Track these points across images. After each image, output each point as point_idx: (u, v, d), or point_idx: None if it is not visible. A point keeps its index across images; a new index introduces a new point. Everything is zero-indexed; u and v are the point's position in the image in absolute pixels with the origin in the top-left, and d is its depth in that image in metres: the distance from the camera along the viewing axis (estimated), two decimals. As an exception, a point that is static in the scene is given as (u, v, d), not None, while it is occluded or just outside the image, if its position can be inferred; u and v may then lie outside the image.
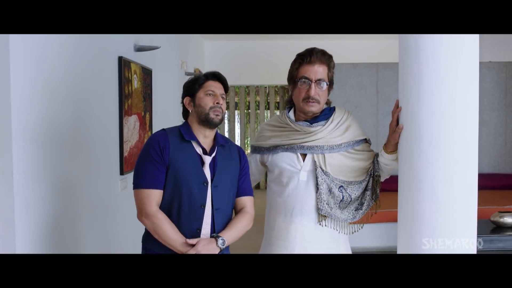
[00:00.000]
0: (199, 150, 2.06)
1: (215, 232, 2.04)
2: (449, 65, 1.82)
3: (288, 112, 2.31)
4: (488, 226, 3.99)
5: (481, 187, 6.29)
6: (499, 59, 6.19)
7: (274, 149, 2.27)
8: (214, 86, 2.08)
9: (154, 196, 1.99)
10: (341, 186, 2.22)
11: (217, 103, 2.05)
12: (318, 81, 2.17)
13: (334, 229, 2.23)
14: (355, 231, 2.35)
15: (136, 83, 3.55)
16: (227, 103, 9.43)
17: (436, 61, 1.83)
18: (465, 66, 1.84)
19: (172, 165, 2.00)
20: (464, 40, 1.82)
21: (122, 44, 3.34)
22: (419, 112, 1.88)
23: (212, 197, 2.04)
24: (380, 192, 5.40)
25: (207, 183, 2.03)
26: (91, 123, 2.78)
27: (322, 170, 2.19)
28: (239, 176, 2.16)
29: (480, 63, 6.12)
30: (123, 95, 3.25)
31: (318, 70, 2.17)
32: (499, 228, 3.94)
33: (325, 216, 2.19)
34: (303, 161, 2.22)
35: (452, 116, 1.82)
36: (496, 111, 5.94)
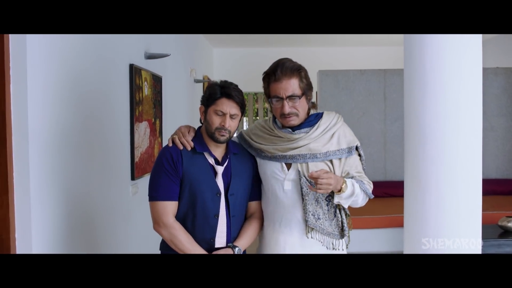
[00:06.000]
0: (211, 161, 2.10)
1: (230, 239, 2.11)
2: (453, 68, 1.87)
3: (275, 118, 2.22)
4: (495, 231, 4.02)
5: (489, 192, 6.29)
6: (507, 64, 6.21)
7: (260, 153, 2.20)
8: (226, 105, 2.03)
9: (170, 207, 2.05)
10: (330, 195, 2.13)
11: (223, 125, 2.03)
12: (290, 97, 2.07)
13: (318, 241, 2.13)
14: (336, 249, 2.15)
15: (146, 90, 3.62)
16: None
17: (440, 64, 1.87)
18: (469, 68, 1.88)
19: (186, 177, 2.04)
20: (468, 43, 1.86)
21: (133, 51, 3.41)
22: (424, 115, 1.92)
23: (229, 206, 2.09)
24: (389, 197, 5.45)
25: (220, 194, 2.08)
26: (103, 128, 2.84)
27: (307, 180, 2.09)
28: (252, 181, 2.21)
29: (488, 69, 6.14)
30: (134, 102, 3.31)
31: (286, 87, 2.06)
32: (507, 232, 3.97)
33: (312, 227, 2.11)
34: (288, 169, 2.14)
35: (456, 118, 1.86)
36: (503, 117, 5.96)
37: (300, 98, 2.08)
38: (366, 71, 5.97)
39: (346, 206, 2.15)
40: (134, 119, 3.31)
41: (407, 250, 2.07)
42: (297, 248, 2.14)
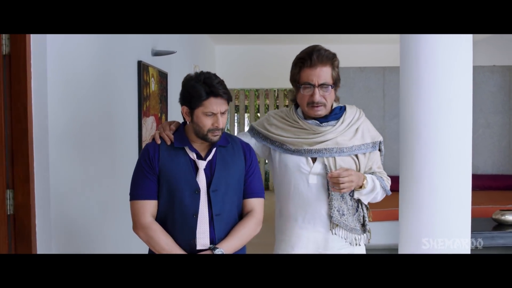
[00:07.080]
0: (192, 156, 1.93)
1: (215, 240, 1.91)
2: (445, 67, 1.98)
3: (296, 109, 2.13)
4: (490, 224, 4.14)
5: (485, 187, 6.37)
6: (503, 63, 6.31)
7: (281, 146, 2.10)
8: (216, 105, 1.85)
9: (148, 207, 1.91)
10: (352, 190, 2.05)
11: (216, 125, 1.87)
12: (322, 85, 1.99)
13: (342, 237, 2.07)
14: (358, 244, 2.12)
15: (153, 86, 3.74)
16: (237, 106, 9.63)
17: (434, 63, 1.98)
18: (460, 66, 1.99)
19: (163, 174, 1.91)
20: (459, 42, 1.97)
21: (141, 49, 3.53)
22: (418, 112, 2.03)
23: (211, 203, 1.90)
24: (391, 191, 5.43)
25: (199, 191, 1.90)
26: (114, 122, 2.97)
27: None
28: (245, 176, 2.00)
29: (484, 66, 6.23)
30: (142, 97, 3.44)
31: (320, 74, 1.98)
32: (500, 225, 4.09)
33: (336, 224, 2.04)
34: (313, 163, 2.06)
35: (447, 114, 1.98)
36: (500, 114, 6.06)
37: (331, 88, 2.01)
38: (366, 69, 6.05)
39: (366, 202, 2.11)
40: (141, 114, 3.44)
41: (403, 244, 2.16)
42: (320, 244, 2.08)
